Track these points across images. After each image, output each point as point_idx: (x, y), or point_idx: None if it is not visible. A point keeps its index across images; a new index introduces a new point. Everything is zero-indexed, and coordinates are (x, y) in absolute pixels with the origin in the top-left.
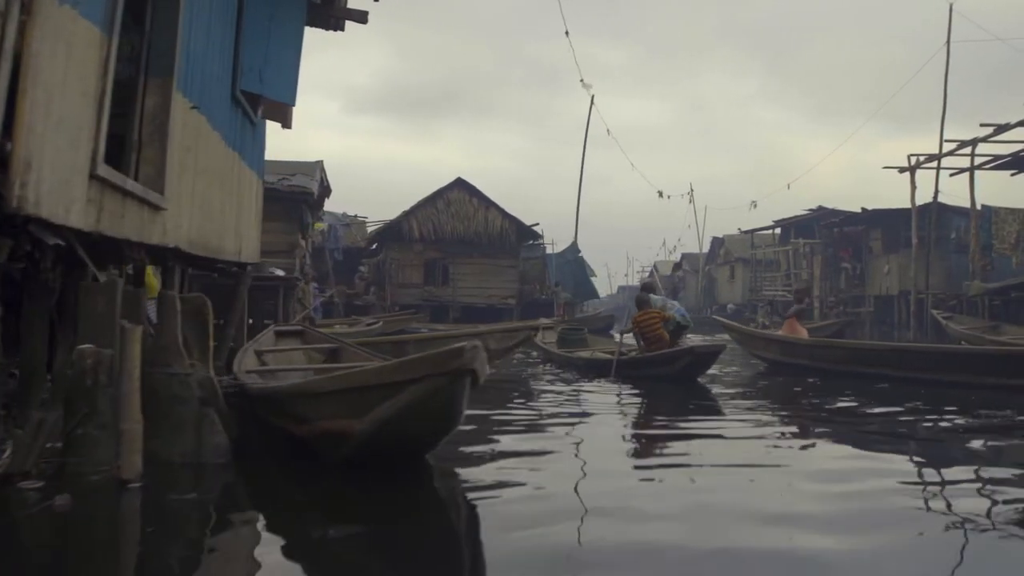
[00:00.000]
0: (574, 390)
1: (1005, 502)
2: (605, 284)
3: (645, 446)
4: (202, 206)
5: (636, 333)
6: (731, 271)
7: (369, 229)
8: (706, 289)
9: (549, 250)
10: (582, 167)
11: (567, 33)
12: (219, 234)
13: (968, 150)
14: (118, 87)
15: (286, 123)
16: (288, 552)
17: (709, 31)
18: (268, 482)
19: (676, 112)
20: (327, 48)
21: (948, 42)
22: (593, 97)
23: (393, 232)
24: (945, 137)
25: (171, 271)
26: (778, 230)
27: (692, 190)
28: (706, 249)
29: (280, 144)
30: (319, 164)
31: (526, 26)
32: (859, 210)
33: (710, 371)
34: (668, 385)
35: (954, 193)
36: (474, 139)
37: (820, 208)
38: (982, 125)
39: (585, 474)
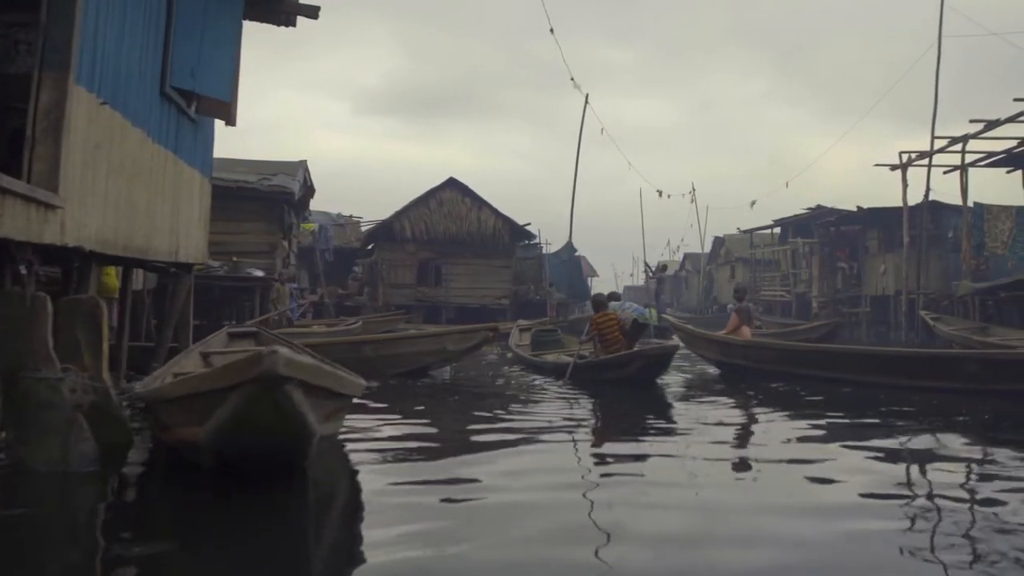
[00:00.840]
0: (524, 397)
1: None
2: (611, 284)
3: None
4: (120, 205)
5: (594, 335)
6: (731, 271)
7: (364, 229)
8: (706, 289)
9: (548, 250)
10: (576, 167)
11: (552, 30)
12: (146, 234)
13: (960, 147)
14: (21, 82)
15: (229, 120)
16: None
17: (718, 31)
18: (125, 492)
19: (684, 112)
20: (338, 50)
21: (939, 37)
22: (588, 96)
23: (385, 232)
24: (946, 134)
25: (77, 271)
26: (777, 230)
27: (694, 189)
28: (708, 249)
29: (286, 145)
30: (302, 164)
31: (535, 26)
32: (855, 209)
33: (679, 375)
34: (623, 390)
35: (953, 192)
36: (483, 140)
37: (819, 207)
38: (971, 121)
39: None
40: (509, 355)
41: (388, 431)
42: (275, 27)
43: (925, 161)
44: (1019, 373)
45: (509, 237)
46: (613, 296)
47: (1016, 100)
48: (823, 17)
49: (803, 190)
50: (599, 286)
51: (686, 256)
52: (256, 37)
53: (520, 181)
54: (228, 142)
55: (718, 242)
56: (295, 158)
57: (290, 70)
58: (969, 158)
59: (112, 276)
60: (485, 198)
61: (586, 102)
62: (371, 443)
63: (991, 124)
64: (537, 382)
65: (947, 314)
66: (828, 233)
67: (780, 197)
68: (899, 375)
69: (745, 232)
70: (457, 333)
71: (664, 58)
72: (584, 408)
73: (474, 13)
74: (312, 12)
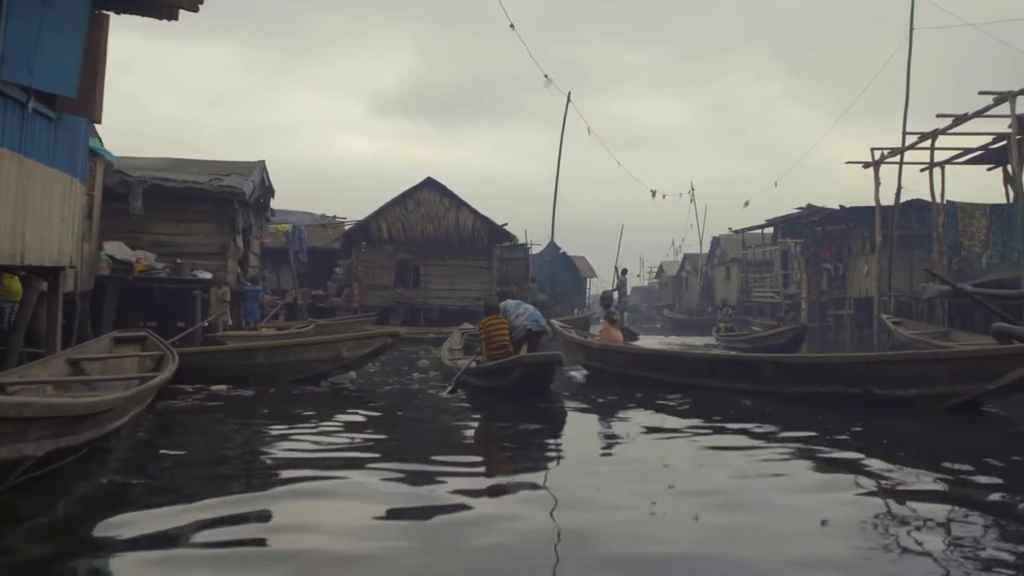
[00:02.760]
0: (400, 410)
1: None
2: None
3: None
4: None
5: (482, 339)
6: (727, 271)
7: (347, 230)
8: (704, 290)
9: (535, 250)
10: (558, 167)
11: (512, 26)
12: None
13: (937, 143)
14: None
15: (93, 117)
16: None
17: (734, 31)
18: None
19: (698, 112)
20: (356, 53)
21: (911, 30)
22: (570, 94)
23: (363, 233)
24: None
25: None
26: (770, 229)
27: (693, 189)
28: (707, 249)
29: (303, 146)
30: (260, 164)
31: (552, 27)
32: (837, 207)
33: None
34: (506, 404)
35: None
36: (499, 140)
37: (809, 206)
38: (939, 116)
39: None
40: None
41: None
42: (283, 34)
43: (901, 158)
44: (805, 376)
45: (488, 237)
46: (606, 299)
47: (981, 93)
48: (838, 15)
49: (810, 188)
50: (598, 287)
51: (686, 257)
52: (270, 40)
53: (535, 183)
54: (239, 144)
55: (715, 242)
56: (310, 160)
57: (309, 73)
58: (948, 154)
59: (15, 280)
60: (484, 198)
61: (568, 100)
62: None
63: (959, 119)
64: (431, 390)
65: (917, 317)
66: (814, 233)
67: (779, 197)
68: (712, 377)
69: (737, 232)
70: (353, 339)
71: (679, 58)
72: (407, 430)
73: (488, 15)
74: (191, 4)
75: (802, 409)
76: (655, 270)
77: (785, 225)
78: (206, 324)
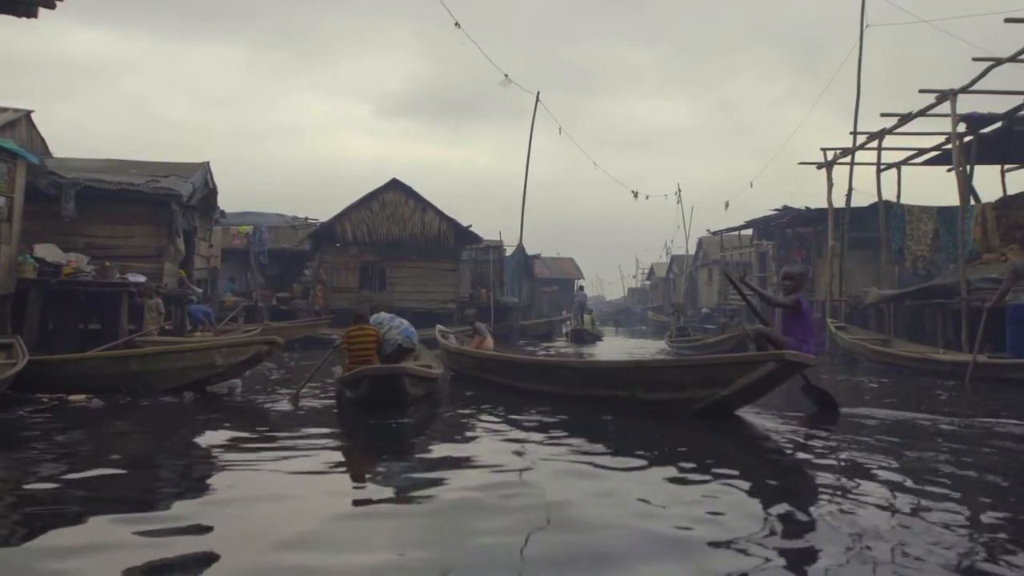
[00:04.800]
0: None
1: None
2: (618, 287)
3: None
4: None
5: (343, 349)
6: (709, 273)
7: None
8: (688, 292)
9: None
10: (527, 167)
11: (457, 24)
12: None
13: (897, 143)
14: None
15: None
16: None
17: (739, 32)
18: None
19: (703, 113)
20: (363, 54)
21: (862, 27)
22: (539, 94)
23: (327, 234)
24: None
25: None
26: (750, 231)
27: (680, 190)
28: (694, 250)
29: (309, 147)
30: (203, 165)
31: (557, 29)
32: (804, 208)
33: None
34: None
35: (905, 191)
36: (505, 141)
37: (785, 208)
38: (883, 115)
39: None
40: None
41: None
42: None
43: (852, 159)
44: (590, 381)
45: (454, 239)
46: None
47: (921, 91)
48: (837, 16)
49: (801, 188)
50: (608, 290)
51: (673, 258)
52: (277, 41)
53: (541, 183)
54: (243, 145)
55: (700, 244)
56: (319, 160)
57: (317, 75)
58: (905, 154)
59: None
60: (486, 199)
61: (537, 100)
62: None
63: (904, 118)
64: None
65: (862, 323)
66: (785, 235)
67: (774, 198)
68: (525, 380)
69: (715, 234)
70: (227, 346)
71: (683, 60)
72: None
73: (496, 16)
74: (48, 1)
75: (596, 411)
76: (647, 271)
77: (763, 227)
78: (129, 338)
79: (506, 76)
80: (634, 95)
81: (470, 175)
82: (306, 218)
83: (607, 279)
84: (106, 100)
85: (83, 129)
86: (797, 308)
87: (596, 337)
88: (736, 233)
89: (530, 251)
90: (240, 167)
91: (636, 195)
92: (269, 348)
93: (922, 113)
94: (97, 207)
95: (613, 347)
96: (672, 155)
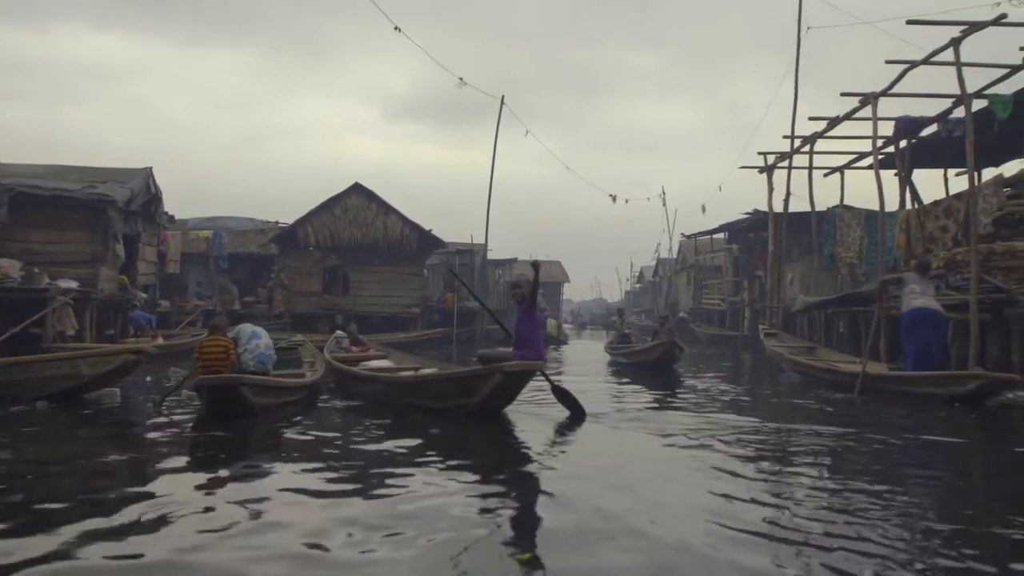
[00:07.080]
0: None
1: None
2: (616, 289)
3: None
4: None
5: (195, 359)
6: (688, 277)
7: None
8: (669, 295)
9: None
10: (492, 169)
11: (397, 28)
12: None
13: (839, 147)
14: None
15: None
16: None
17: (740, 35)
18: None
19: (706, 115)
20: (367, 57)
21: (799, 29)
22: (503, 97)
23: (289, 239)
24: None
25: None
26: (723, 235)
27: (664, 192)
28: (675, 254)
29: (316, 150)
30: (145, 171)
31: (563, 32)
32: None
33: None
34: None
35: (862, 195)
36: (511, 144)
37: (755, 211)
38: (811, 119)
39: None
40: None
41: None
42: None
43: (790, 163)
44: (394, 391)
45: (418, 244)
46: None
47: (843, 95)
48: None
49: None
50: (569, 292)
51: (659, 261)
52: (285, 45)
53: (545, 186)
54: (246, 147)
55: (681, 247)
56: (329, 163)
57: (321, 78)
58: (847, 158)
59: None
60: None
61: (502, 103)
62: None
63: (833, 122)
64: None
65: (794, 331)
66: (748, 239)
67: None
68: (360, 389)
69: (688, 237)
70: (93, 356)
71: (687, 61)
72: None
73: (501, 19)
74: None
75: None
76: (635, 274)
77: (733, 231)
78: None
79: (460, 79)
80: (641, 97)
81: (475, 178)
82: (276, 222)
83: (604, 281)
84: (115, 104)
85: (92, 133)
86: (531, 313)
87: (560, 342)
88: (709, 237)
89: (521, 255)
90: (247, 170)
91: (615, 199)
92: (136, 358)
93: (848, 117)
94: (33, 213)
95: (564, 351)
96: (673, 157)
